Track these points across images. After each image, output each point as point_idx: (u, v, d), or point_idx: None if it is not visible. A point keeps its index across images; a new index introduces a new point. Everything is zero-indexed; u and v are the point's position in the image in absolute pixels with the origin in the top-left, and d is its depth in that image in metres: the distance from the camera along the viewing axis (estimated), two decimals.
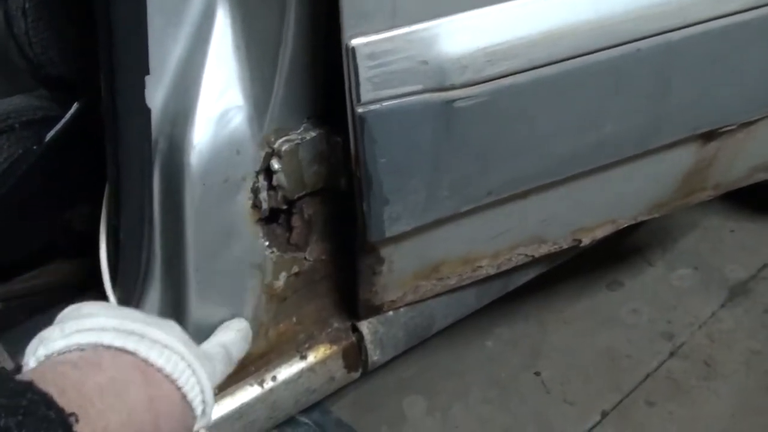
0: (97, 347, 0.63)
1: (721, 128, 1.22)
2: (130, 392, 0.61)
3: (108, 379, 0.60)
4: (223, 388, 1.14)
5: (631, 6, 0.98)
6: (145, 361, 0.64)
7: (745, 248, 2.05)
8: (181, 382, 0.66)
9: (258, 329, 1.13)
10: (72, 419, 0.52)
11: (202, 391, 0.69)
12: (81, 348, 0.63)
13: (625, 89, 1.05)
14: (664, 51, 1.03)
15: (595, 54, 0.99)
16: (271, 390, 1.18)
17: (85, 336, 0.63)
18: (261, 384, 1.17)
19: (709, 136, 1.24)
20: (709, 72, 1.10)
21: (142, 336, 0.65)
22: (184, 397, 0.67)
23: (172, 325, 0.72)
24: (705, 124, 1.19)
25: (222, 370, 0.86)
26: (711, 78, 1.11)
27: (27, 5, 1.07)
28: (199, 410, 0.69)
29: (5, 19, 1.09)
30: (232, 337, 0.99)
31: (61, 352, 0.63)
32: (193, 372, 0.68)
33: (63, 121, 1.13)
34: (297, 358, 1.20)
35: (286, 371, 1.19)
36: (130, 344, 0.64)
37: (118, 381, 0.60)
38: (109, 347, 0.63)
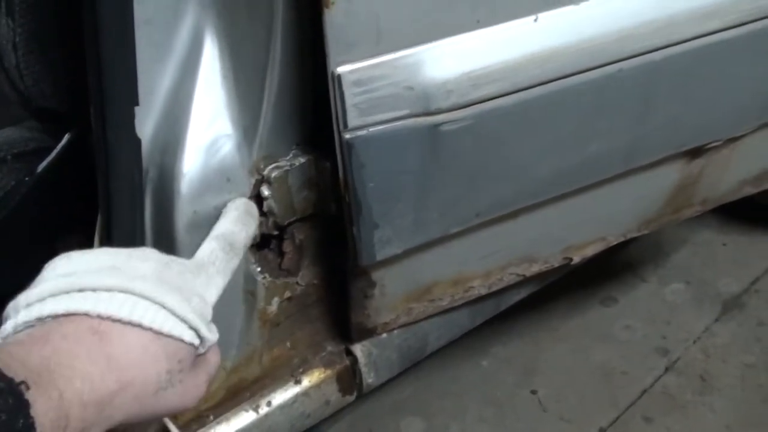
0: (43, 319, 0.61)
1: (706, 145, 1.23)
2: (80, 357, 0.58)
3: (53, 350, 0.57)
4: (217, 415, 1.14)
5: (613, 28, 0.99)
6: (99, 317, 0.61)
7: (737, 262, 2.06)
8: (146, 322, 0.62)
9: (251, 355, 1.13)
10: (22, 387, 0.51)
11: (184, 319, 0.65)
12: (29, 324, 0.61)
13: (608, 109, 1.06)
14: (647, 71, 1.04)
15: (577, 75, 1.00)
16: (266, 415, 1.18)
17: (31, 311, 0.61)
18: (256, 409, 1.17)
19: (694, 153, 1.25)
20: (692, 90, 1.11)
21: (94, 290, 0.62)
22: (158, 335, 0.63)
23: (144, 256, 0.69)
24: (689, 142, 1.20)
25: (222, 269, 0.79)
26: (694, 96, 1.12)
27: (17, 39, 1.07)
28: (187, 337, 0.65)
29: None
30: (230, 220, 0.90)
31: (17, 330, 0.61)
32: (162, 305, 0.64)
33: (54, 152, 1.14)
34: (291, 383, 1.20)
35: (280, 396, 1.19)
36: (75, 305, 0.61)
37: (62, 350, 0.58)
38: (56, 316, 0.61)
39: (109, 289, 0.63)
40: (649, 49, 1.03)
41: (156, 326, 0.63)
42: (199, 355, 0.69)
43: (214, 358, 0.72)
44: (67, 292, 0.62)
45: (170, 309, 0.65)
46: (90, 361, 0.58)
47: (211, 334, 0.69)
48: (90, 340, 0.60)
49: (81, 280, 0.63)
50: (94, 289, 0.63)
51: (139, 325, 0.62)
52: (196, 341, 0.67)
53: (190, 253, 0.96)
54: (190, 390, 0.68)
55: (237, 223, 0.88)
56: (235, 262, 0.82)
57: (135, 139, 0.92)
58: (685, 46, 1.04)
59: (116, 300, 0.62)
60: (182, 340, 0.65)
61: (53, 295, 0.62)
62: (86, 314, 0.61)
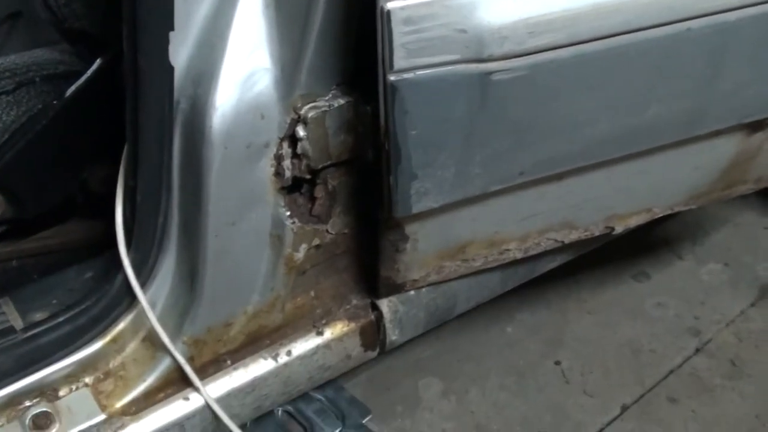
0: None
1: None
2: None
3: None
4: (235, 360, 1.12)
5: None
6: None
7: None
8: None
9: (274, 301, 1.10)
10: None
11: None
12: None
13: (672, 71, 1.01)
14: (717, 32, 0.98)
15: (643, 32, 0.94)
16: (285, 365, 1.16)
17: None
18: (275, 358, 1.14)
19: (755, 126, 1.20)
20: (762, 57, 1.05)
21: None
22: None
23: None
24: (754, 113, 1.15)
25: None
26: (764, 64, 1.06)
27: None
28: None
29: None
30: None
31: None
32: None
33: (84, 76, 1.12)
34: (313, 334, 1.18)
35: (301, 346, 1.17)
36: None
37: None
38: None
39: None
40: (723, 8, 0.96)
41: None
42: None
43: None
44: None
45: None
46: None
47: None
48: None
49: None
50: None
51: None
52: None
53: (217, 192, 0.95)
54: None
55: None
56: None
57: (168, 67, 0.89)
58: (762, 7, 0.98)
59: None
60: None
61: None
62: None
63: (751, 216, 2.10)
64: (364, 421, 1.42)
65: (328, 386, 1.44)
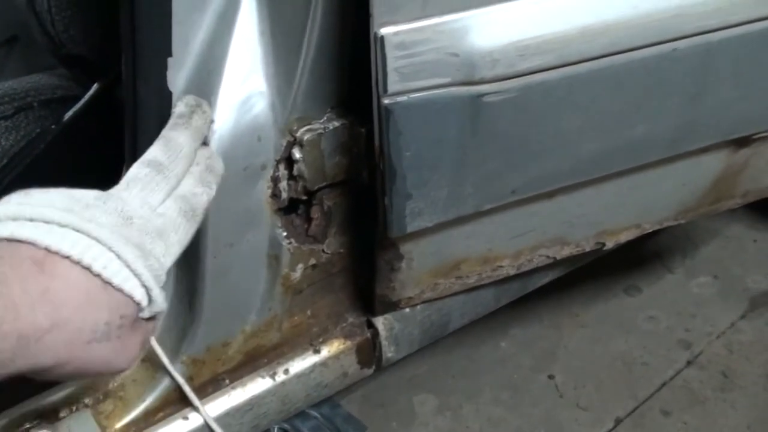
0: None
1: (755, 134, 1.19)
2: (9, 283, 0.54)
3: None
4: (233, 379, 1.12)
5: (670, 4, 0.95)
6: (47, 249, 0.57)
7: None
8: (96, 267, 0.58)
9: (271, 321, 1.11)
10: None
11: (138, 274, 0.61)
12: None
13: (658, 91, 1.02)
14: (702, 52, 1.00)
15: (629, 53, 0.96)
16: (282, 383, 1.16)
17: None
18: (273, 376, 1.15)
19: (741, 142, 1.21)
20: (747, 76, 1.06)
21: (47, 222, 0.58)
22: (106, 284, 0.59)
23: (105, 208, 0.63)
24: (740, 130, 1.16)
25: (181, 238, 0.70)
26: (750, 82, 1.08)
27: None
28: (137, 294, 0.61)
29: None
30: (195, 179, 0.75)
31: None
32: (118, 254, 0.60)
33: (82, 101, 1.13)
34: (310, 352, 1.18)
35: (298, 365, 1.17)
36: (22, 232, 0.57)
37: None
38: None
39: (62, 225, 0.59)
40: (707, 29, 0.98)
41: (106, 274, 0.59)
42: (140, 319, 0.65)
43: (152, 326, 0.68)
44: (16, 219, 0.58)
45: (125, 260, 0.60)
46: (21, 290, 0.55)
47: (161, 300, 0.65)
48: (28, 269, 0.56)
49: (34, 210, 0.59)
50: (46, 222, 0.58)
51: (89, 269, 0.58)
52: (145, 301, 0.63)
53: (215, 214, 0.95)
54: (125, 350, 0.63)
55: (199, 183, 0.75)
56: (194, 229, 0.73)
57: (166, 92, 0.90)
58: (745, 28, 0.99)
59: (69, 237, 0.58)
60: (131, 297, 0.61)
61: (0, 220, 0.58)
62: (32, 244, 0.57)
63: (740, 229, 2.12)
64: None
65: (324, 403, 1.45)
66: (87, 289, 0.59)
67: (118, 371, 0.65)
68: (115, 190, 0.67)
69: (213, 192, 0.77)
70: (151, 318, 0.67)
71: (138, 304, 0.62)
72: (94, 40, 1.08)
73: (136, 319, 0.64)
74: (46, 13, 1.06)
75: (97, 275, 0.59)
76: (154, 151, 0.72)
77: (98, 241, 0.59)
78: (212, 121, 0.85)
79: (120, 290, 0.60)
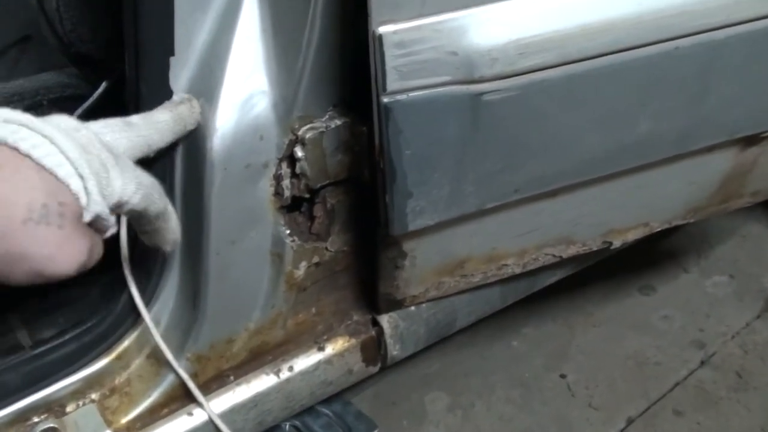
0: None
1: (763, 133, 1.18)
2: None
3: None
4: (238, 376, 1.13)
5: (673, 2, 0.94)
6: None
7: None
8: (24, 147, 0.60)
9: (275, 318, 1.12)
10: None
11: (74, 163, 0.62)
12: None
13: (661, 89, 1.01)
14: (705, 50, 0.99)
15: (631, 51, 0.95)
16: (287, 380, 1.17)
17: None
18: (277, 374, 1.16)
19: (749, 141, 1.20)
20: (752, 74, 1.05)
21: (6, 121, 0.62)
22: (39, 166, 0.61)
23: (75, 125, 0.68)
24: (746, 129, 1.15)
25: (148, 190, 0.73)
26: (754, 80, 1.06)
27: None
28: (74, 184, 0.63)
29: None
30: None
31: None
32: (51, 140, 0.62)
33: (91, 99, 1.14)
34: (315, 350, 1.19)
35: (303, 362, 1.18)
36: None
37: None
38: None
39: (11, 122, 0.61)
40: (710, 27, 0.97)
41: (36, 154, 0.61)
42: (90, 226, 0.66)
43: (99, 239, 0.69)
44: None
45: (59, 146, 0.62)
46: None
47: (99, 199, 0.65)
48: None
49: (2, 113, 0.62)
50: (6, 121, 0.62)
51: (15, 149, 0.60)
52: (83, 195, 0.64)
53: (218, 212, 0.96)
54: (68, 244, 0.63)
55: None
56: (147, 200, 0.74)
57: (168, 91, 0.91)
58: (748, 26, 0.98)
59: (9, 128, 0.61)
60: (67, 185, 0.62)
61: None
62: None
63: (757, 228, 2.09)
64: None
65: (335, 401, 1.45)
66: (17, 165, 0.60)
67: (62, 271, 0.65)
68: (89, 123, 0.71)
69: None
70: (100, 230, 0.68)
71: (76, 196, 0.63)
72: (101, 39, 1.10)
73: (80, 216, 0.64)
74: (55, 12, 1.08)
75: (26, 155, 0.61)
76: (133, 116, 0.80)
77: (33, 129, 0.62)
78: (198, 116, 0.92)
79: (53, 174, 0.62)
